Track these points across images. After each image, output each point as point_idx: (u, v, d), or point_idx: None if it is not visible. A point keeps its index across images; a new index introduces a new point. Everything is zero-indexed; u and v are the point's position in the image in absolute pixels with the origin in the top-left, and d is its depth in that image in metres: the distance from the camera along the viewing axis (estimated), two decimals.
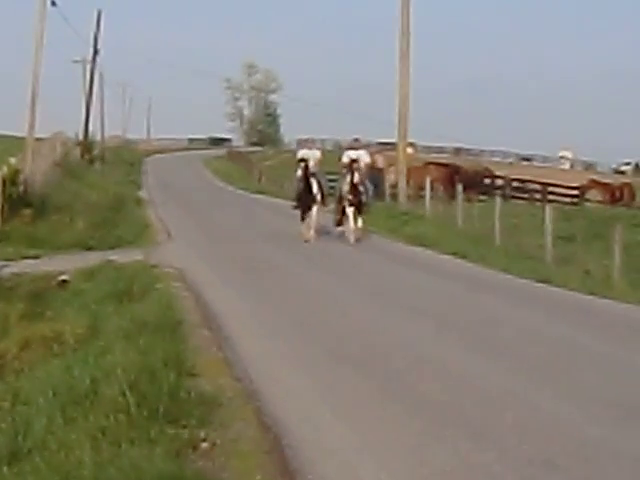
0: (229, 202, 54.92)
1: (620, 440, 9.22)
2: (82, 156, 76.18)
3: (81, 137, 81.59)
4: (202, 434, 9.13)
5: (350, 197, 29.69)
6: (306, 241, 29.43)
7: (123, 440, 8.68)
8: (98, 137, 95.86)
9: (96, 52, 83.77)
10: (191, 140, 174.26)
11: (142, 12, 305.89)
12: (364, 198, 30.55)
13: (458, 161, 77.82)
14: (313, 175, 29.97)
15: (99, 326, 15.24)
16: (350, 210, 29.82)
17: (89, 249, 27.78)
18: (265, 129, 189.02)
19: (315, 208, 30.01)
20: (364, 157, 31.08)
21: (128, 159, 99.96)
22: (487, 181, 60.59)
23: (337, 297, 19.45)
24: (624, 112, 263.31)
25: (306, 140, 31.07)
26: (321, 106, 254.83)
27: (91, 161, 78.23)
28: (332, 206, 31.46)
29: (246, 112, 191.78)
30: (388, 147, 79.53)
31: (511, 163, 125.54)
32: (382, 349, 13.68)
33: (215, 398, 10.35)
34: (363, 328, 15.66)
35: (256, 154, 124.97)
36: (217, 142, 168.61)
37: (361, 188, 30.16)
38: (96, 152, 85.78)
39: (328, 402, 10.72)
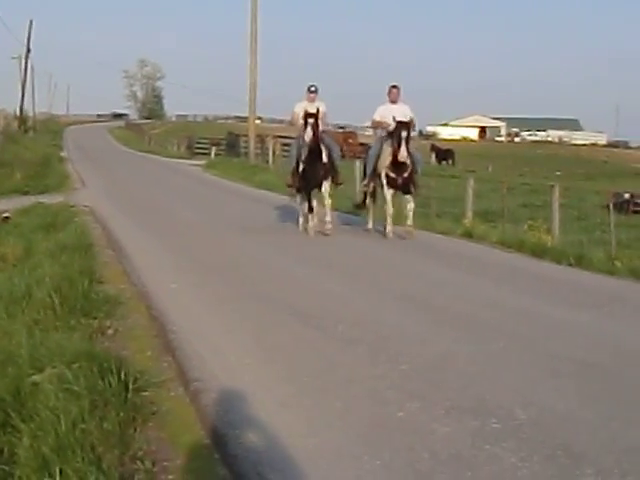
0: (127, 159, 54.38)
1: (410, 325, 9.41)
2: (19, 127, 75.98)
3: (18, 113, 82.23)
4: (108, 323, 9.03)
5: (392, 174, 16.66)
6: (325, 234, 17.02)
7: (50, 328, 8.56)
8: (31, 113, 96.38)
9: (29, 51, 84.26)
10: (99, 115, 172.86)
11: (65, 17, 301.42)
12: (415, 174, 16.94)
13: None
14: (323, 139, 17.11)
15: (32, 248, 14.94)
16: (389, 192, 16.81)
17: (25, 194, 27.17)
18: (153, 107, 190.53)
19: (326, 185, 17.24)
20: (408, 112, 16.86)
21: (53, 129, 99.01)
22: None
23: (200, 224, 19.31)
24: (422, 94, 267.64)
25: (312, 88, 17.50)
26: (191, 89, 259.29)
27: (26, 130, 78.31)
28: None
29: (139, 94, 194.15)
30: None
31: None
32: (239, 262, 13.70)
33: (117, 298, 10.20)
34: (224, 246, 15.70)
35: (147, 125, 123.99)
36: (118, 116, 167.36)
37: (408, 161, 16.53)
38: (29, 124, 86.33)
39: (199, 299, 10.68)
